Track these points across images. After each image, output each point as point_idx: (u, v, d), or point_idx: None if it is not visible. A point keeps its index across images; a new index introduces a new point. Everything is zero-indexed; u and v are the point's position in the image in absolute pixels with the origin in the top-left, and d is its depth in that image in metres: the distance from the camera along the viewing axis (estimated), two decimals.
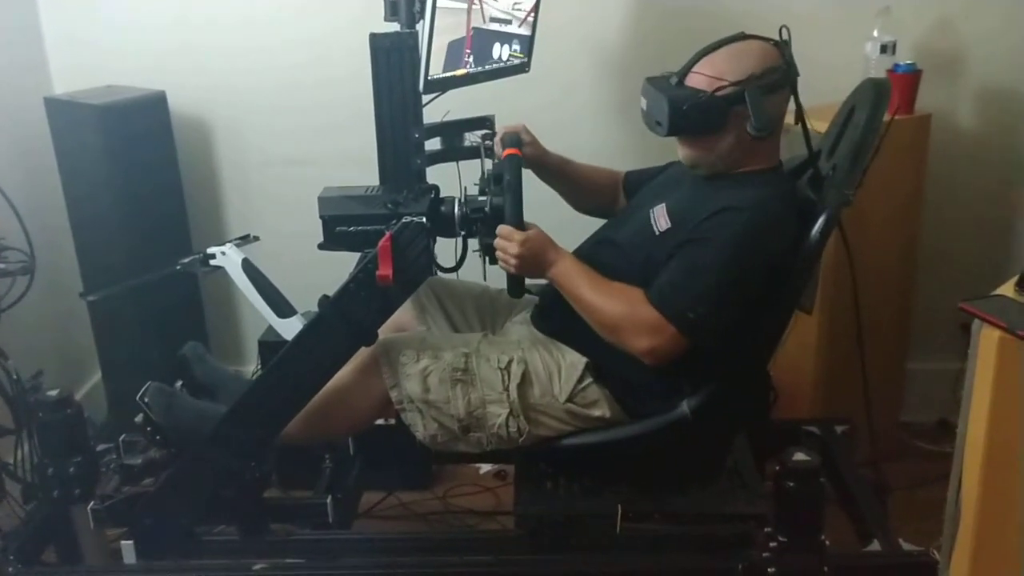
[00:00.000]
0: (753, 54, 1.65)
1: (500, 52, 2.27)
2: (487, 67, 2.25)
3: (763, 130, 1.61)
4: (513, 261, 1.66)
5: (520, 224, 1.66)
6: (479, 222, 1.75)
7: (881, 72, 2.31)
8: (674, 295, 1.59)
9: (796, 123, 1.73)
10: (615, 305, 1.63)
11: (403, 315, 1.87)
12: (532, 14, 2.30)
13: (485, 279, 1.82)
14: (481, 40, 2.18)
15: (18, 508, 1.93)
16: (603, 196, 2.01)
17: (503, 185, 1.69)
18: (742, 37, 1.68)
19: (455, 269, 1.89)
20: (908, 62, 2.34)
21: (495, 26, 2.21)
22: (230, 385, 1.89)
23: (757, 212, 1.61)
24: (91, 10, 2.62)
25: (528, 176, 1.82)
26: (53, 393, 1.80)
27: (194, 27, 2.62)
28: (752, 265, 1.61)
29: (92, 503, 1.76)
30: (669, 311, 1.58)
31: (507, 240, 1.66)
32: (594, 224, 1.94)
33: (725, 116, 1.64)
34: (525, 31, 2.31)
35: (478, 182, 1.86)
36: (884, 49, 2.34)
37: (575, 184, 1.99)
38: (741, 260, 1.60)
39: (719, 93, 1.63)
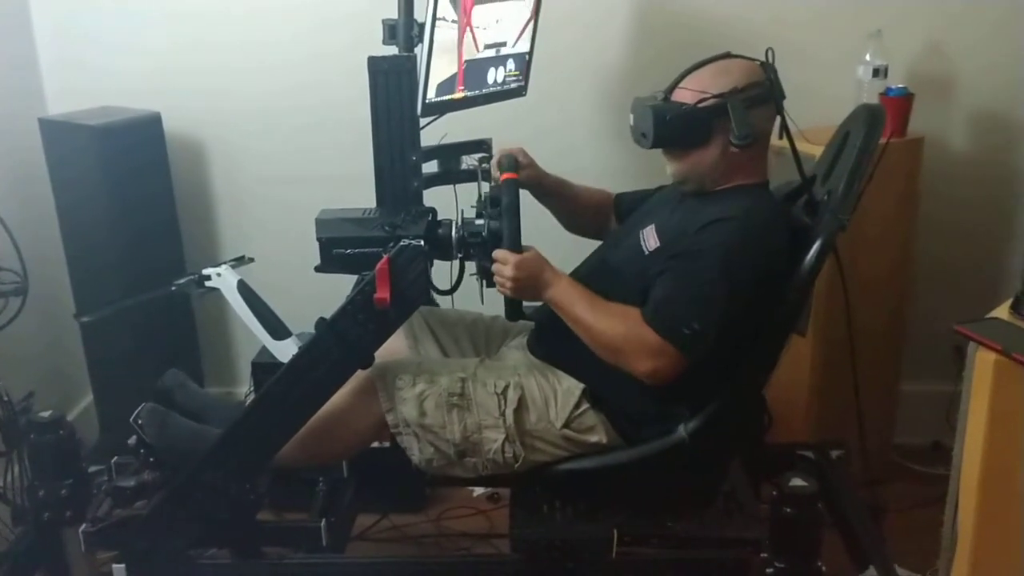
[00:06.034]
0: (736, 70, 1.68)
1: (495, 76, 2.28)
2: (484, 91, 2.26)
3: (745, 139, 1.63)
4: (510, 284, 1.66)
5: (517, 248, 1.66)
6: (476, 246, 1.75)
7: (874, 95, 2.33)
8: (668, 311, 1.59)
9: (780, 138, 1.75)
10: (614, 327, 1.63)
11: (395, 344, 1.87)
12: (525, 30, 2.30)
13: (483, 302, 1.81)
14: (474, 70, 2.19)
15: (7, 531, 1.91)
16: (596, 216, 2.02)
17: (500, 208, 1.69)
18: (727, 56, 1.71)
19: (451, 291, 1.89)
20: (900, 86, 2.37)
21: (489, 52, 2.22)
22: (216, 408, 1.88)
23: (745, 220, 1.63)
24: (86, 32, 2.62)
25: (526, 198, 1.82)
26: (45, 415, 1.78)
27: (189, 49, 2.62)
28: (743, 272, 1.61)
29: (83, 526, 1.74)
30: (665, 329, 1.58)
31: (503, 263, 1.66)
32: (590, 246, 1.95)
33: (708, 128, 1.66)
34: (520, 49, 2.31)
35: (475, 204, 1.86)
36: (876, 73, 2.36)
37: (570, 204, 2.00)
38: (732, 268, 1.60)
39: (702, 105, 1.65)
